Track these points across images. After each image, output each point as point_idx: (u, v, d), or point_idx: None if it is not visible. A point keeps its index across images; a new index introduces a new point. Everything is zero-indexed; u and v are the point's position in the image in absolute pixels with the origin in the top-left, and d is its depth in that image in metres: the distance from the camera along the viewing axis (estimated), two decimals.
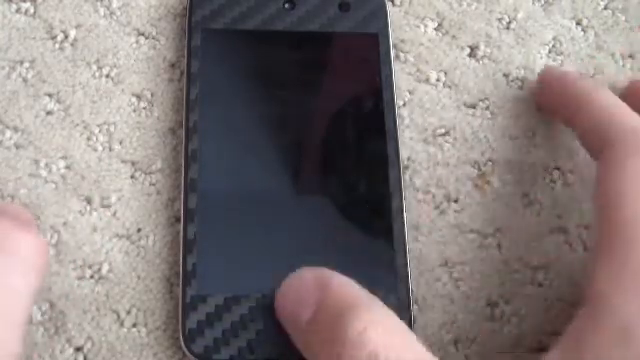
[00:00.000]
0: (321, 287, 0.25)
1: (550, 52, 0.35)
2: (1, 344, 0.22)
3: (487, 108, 0.33)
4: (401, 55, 0.34)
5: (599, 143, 0.27)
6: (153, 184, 0.30)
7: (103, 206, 0.30)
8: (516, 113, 0.33)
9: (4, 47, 0.32)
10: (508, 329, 0.29)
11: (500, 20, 0.35)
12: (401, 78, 0.33)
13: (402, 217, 0.29)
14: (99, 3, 0.33)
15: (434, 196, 0.31)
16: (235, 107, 0.31)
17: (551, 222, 0.31)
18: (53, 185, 0.30)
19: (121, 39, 0.33)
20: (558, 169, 0.32)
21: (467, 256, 0.30)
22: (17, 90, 0.31)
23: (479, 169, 0.32)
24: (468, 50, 0.34)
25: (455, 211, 0.31)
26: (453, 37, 0.34)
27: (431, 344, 0.28)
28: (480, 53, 0.34)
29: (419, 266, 0.29)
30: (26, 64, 0.32)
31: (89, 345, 0.27)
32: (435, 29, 0.35)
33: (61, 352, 0.27)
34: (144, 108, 0.32)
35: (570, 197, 0.31)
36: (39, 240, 0.24)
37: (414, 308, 0.29)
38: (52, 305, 0.28)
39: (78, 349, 0.27)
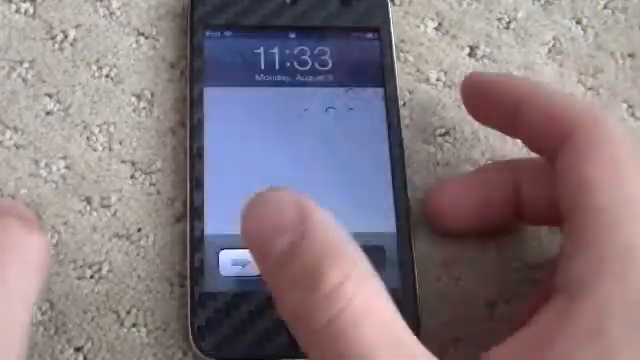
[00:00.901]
0: (302, 218, 0.21)
1: (550, 52, 0.35)
2: (7, 344, 0.22)
3: None
4: (401, 55, 0.34)
5: (555, 137, 0.25)
6: (153, 184, 0.30)
7: (103, 206, 0.30)
8: None
9: (4, 47, 0.32)
10: (508, 329, 0.29)
11: (500, 20, 0.35)
12: (401, 78, 0.33)
13: (407, 215, 0.30)
14: (99, 3, 0.33)
15: None
16: (239, 103, 0.31)
17: None
18: (53, 185, 0.30)
19: (121, 39, 0.33)
20: None
21: (467, 256, 0.30)
22: (17, 90, 0.31)
23: None
24: (468, 50, 0.34)
25: None
26: (453, 37, 0.34)
27: (430, 344, 0.28)
28: (480, 53, 0.34)
29: (419, 266, 0.29)
30: (26, 64, 0.32)
31: (89, 345, 0.27)
32: (435, 29, 0.35)
33: (61, 352, 0.27)
34: (144, 108, 0.32)
35: None
36: (43, 240, 0.24)
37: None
38: (52, 305, 0.28)
39: (78, 349, 0.27)
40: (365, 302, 0.20)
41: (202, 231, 0.28)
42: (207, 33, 0.32)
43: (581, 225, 0.23)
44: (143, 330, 0.28)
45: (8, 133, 0.30)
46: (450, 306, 0.29)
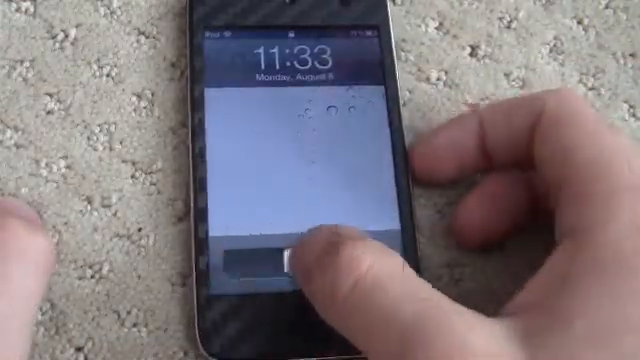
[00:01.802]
0: (331, 247, 0.24)
1: (551, 51, 0.35)
2: (11, 345, 0.22)
3: None
4: (402, 54, 0.34)
5: (528, 116, 0.27)
6: (154, 184, 0.30)
7: (104, 206, 0.30)
8: None
9: (4, 46, 0.32)
10: None
11: (501, 19, 0.35)
12: (401, 77, 0.33)
13: (410, 213, 0.30)
14: (99, 2, 0.33)
15: (434, 198, 0.31)
16: (239, 102, 0.31)
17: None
18: (54, 185, 0.30)
19: (121, 38, 0.33)
20: None
21: (469, 257, 0.30)
22: (17, 90, 0.31)
23: None
24: (469, 49, 0.34)
25: None
26: (454, 36, 0.34)
27: None
28: (481, 52, 0.34)
29: (420, 267, 0.29)
30: (26, 63, 0.32)
31: (90, 345, 0.27)
32: (436, 28, 0.35)
33: (62, 352, 0.27)
34: (145, 107, 0.32)
35: None
36: (46, 241, 0.24)
37: None
38: (53, 305, 0.28)
39: (79, 349, 0.27)
40: (385, 266, 0.23)
41: (206, 233, 0.28)
42: (207, 33, 0.32)
43: (573, 179, 0.24)
44: (144, 330, 0.28)
45: (9, 132, 0.30)
46: None
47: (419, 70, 0.33)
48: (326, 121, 0.31)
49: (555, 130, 0.26)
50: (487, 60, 0.34)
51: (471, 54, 0.34)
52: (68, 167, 0.30)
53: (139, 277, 0.29)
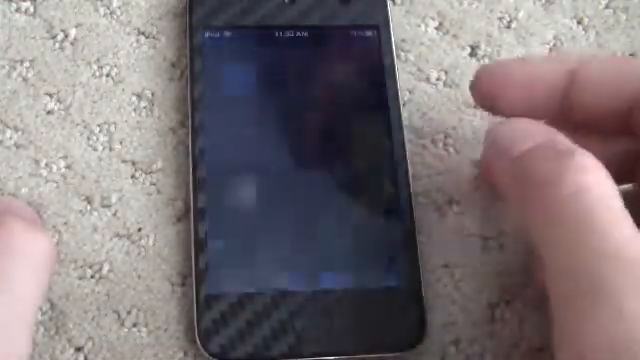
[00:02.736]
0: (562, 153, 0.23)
1: (551, 51, 0.35)
2: (13, 345, 0.22)
3: None
4: (401, 54, 0.34)
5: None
6: (154, 184, 0.30)
7: (103, 206, 0.30)
8: None
9: (4, 46, 0.32)
10: (508, 330, 0.29)
11: (501, 19, 0.35)
12: (401, 77, 0.33)
13: (410, 213, 0.30)
14: (99, 2, 0.33)
15: (434, 198, 0.31)
16: (239, 102, 0.31)
17: None
18: (54, 185, 0.30)
19: (121, 38, 0.33)
20: None
21: (468, 258, 0.30)
22: (17, 90, 0.31)
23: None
24: (469, 49, 0.34)
25: (456, 213, 0.31)
26: (454, 36, 0.34)
27: (432, 344, 0.28)
28: (481, 52, 0.34)
29: (420, 266, 0.29)
30: (26, 63, 0.32)
31: (90, 345, 0.27)
32: (436, 28, 0.35)
33: (61, 352, 0.27)
34: (144, 107, 0.32)
35: None
36: (47, 241, 0.24)
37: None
38: (53, 305, 0.28)
39: (78, 349, 0.27)
40: (607, 189, 0.22)
41: (206, 232, 0.28)
42: (206, 33, 0.32)
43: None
44: (144, 330, 0.28)
45: (8, 132, 0.30)
46: (451, 307, 0.29)
47: (419, 70, 0.33)
48: (327, 120, 0.31)
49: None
50: (487, 60, 0.34)
51: (471, 54, 0.34)
52: (68, 167, 0.30)
53: (139, 277, 0.29)
